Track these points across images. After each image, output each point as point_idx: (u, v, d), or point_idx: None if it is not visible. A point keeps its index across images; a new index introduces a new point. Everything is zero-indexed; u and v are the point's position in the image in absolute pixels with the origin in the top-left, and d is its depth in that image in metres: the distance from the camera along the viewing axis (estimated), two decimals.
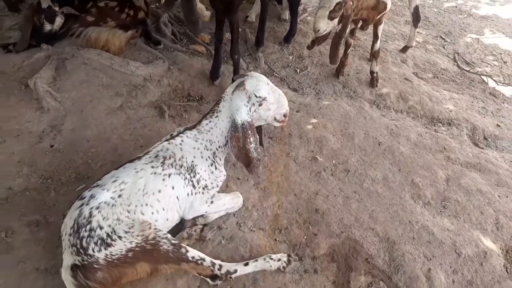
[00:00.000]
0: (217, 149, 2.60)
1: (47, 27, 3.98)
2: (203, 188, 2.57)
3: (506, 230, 2.91)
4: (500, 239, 2.85)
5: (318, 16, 3.38)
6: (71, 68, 3.80)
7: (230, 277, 2.34)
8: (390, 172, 3.26)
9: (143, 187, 2.31)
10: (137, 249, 2.11)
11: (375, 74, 4.27)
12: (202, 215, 2.66)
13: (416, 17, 4.67)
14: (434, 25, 6.08)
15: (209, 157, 2.58)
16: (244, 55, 4.59)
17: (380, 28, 4.04)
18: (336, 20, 3.43)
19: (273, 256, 2.49)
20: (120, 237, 2.12)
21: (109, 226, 2.13)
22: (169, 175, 2.41)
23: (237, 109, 2.43)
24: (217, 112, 2.57)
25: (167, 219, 2.43)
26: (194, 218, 2.64)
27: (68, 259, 2.08)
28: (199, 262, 2.25)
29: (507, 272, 2.66)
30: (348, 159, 3.34)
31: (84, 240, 2.07)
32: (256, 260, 2.46)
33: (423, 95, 4.21)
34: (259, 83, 2.47)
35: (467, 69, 4.93)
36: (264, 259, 2.47)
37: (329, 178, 3.17)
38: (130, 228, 2.16)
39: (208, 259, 2.29)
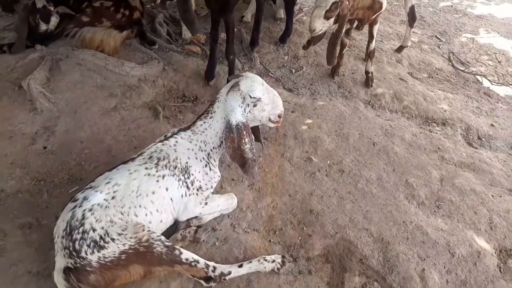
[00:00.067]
0: (211, 150, 2.59)
1: (43, 27, 3.96)
2: (197, 190, 2.56)
3: (500, 230, 2.92)
4: (494, 239, 2.86)
5: (314, 15, 3.38)
6: (65, 69, 3.78)
7: (224, 279, 2.34)
8: (385, 172, 3.26)
9: (137, 188, 2.30)
10: (130, 251, 2.11)
11: (370, 74, 4.27)
12: (196, 217, 2.64)
13: (412, 17, 4.68)
14: (430, 25, 6.09)
15: (203, 158, 2.58)
16: (240, 55, 4.58)
17: (376, 28, 4.05)
18: (332, 20, 3.43)
19: (267, 257, 2.49)
20: (113, 239, 2.11)
21: (102, 228, 2.12)
22: (163, 176, 2.40)
23: (231, 110, 2.42)
24: (211, 113, 2.56)
25: (161, 221, 2.43)
26: (188, 220, 2.62)
27: (61, 261, 2.07)
28: (193, 264, 2.24)
29: (500, 271, 2.67)
30: (343, 160, 3.34)
31: (77, 242, 2.06)
32: (250, 262, 2.45)
33: (417, 95, 4.21)
34: (254, 84, 2.47)
35: (462, 68, 4.94)
36: (258, 260, 2.47)
37: (323, 178, 3.17)
38: (123, 230, 2.15)
39: (202, 261, 2.28)
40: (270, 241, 2.69)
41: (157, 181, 2.37)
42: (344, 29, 3.69)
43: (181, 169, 2.47)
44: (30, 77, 3.53)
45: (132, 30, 4.34)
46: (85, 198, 2.20)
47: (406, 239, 2.76)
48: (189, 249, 2.44)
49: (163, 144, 2.52)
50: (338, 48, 3.79)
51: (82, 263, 2.03)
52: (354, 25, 4.32)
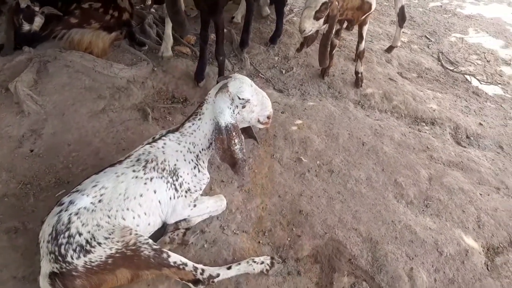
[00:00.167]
0: (200, 151, 2.58)
1: (26, 27, 3.91)
2: (186, 192, 2.55)
3: (487, 228, 2.94)
4: (482, 237, 2.88)
5: (304, 16, 3.38)
6: (53, 71, 3.75)
7: (213, 282, 2.33)
8: (374, 172, 3.27)
9: (124, 191, 2.29)
10: (117, 255, 2.09)
11: (359, 75, 4.28)
12: (184, 219, 2.63)
13: (401, 17, 4.69)
14: (419, 25, 6.12)
15: (192, 160, 2.56)
16: (230, 56, 4.57)
17: (365, 29, 4.05)
18: (321, 20, 3.43)
19: (256, 259, 2.49)
20: (99, 244, 2.09)
21: (89, 232, 2.11)
22: (151, 179, 2.38)
23: (220, 111, 2.41)
24: (200, 115, 2.56)
25: (149, 224, 2.41)
26: (176, 222, 2.61)
27: (46, 266, 2.05)
28: (181, 267, 2.23)
29: (488, 269, 2.69)
30: (332, 160, 3.34)
31: (63, 247, 2.04)
32: (239, 264, 2.45)
33: (407, 95, 4.23)
34: (243, 85, 2.46)
35: (451, 68, 4.97)
36: (247, 262, 2.46)
37: (313, 179, 3.17)
38: (110, 234, 2.13)
39: (190, 264, 2.27)
40: (259, 242, 2.69)
41: (145, 183, 2.36)
42: (334, 30, 3.69)
43: (170, 171, 2.46)
44: (17, 80, 3.50)
45: (121, 32, 4.31)
46: (71, 202, 2.18)
47: (394, 238, 2.77)
48: (178, 251, 2.44)
49: (151, 146, 2.50)
50: (329, 49, 3.79)
51: (68, 268, 2.01)
52: (344, 26, 4.33)
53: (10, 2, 4.12)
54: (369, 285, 2.50)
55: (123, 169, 2.37)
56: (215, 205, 2.74)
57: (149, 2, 5.37)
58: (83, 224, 2.11)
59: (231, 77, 2.52)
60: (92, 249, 2.07)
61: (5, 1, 4.36)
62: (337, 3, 3.40)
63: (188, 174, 2.54)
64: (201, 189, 2.66)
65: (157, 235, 2.55)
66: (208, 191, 2.95)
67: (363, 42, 4.12)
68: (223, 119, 2.40)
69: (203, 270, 2.31)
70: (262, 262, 2.48)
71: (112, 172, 2.35)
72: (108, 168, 2.40)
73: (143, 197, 2.34)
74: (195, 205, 2.61)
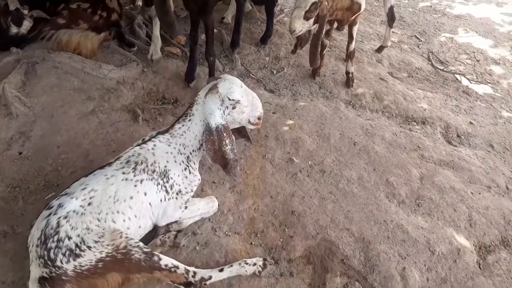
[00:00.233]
0: (191, 153, 2.56)
1: (13, 30, 3.87)
2: (177, 194, 2.53)
3: (479, 226, 2.95)
4: (473, 235, 2.89)
5: (294, 16, 3.38)
6: (42, 72, 3.70)
7: (205, 284, 2.30)
8: (365, 172, 3.27)
9: (114, 194, 2.26)
10: (107, 259, 2.06)
11: (350, 75, 4.28)
12: (176, 221, 2.61)
13: (391, 17, 4.70)
14: (409, 25, 6.15)
15: (182, 162, 2.54)
16: (220, 57, 4.56)
17: (355, 29, 4.06)
18: (311, 21, 3.43)
19: (249, 260, 2.47)
20: (89, 247, 2.06)
21: (78, 236, 2.07)
22: (141, 181, 2.36)
23: (210, 112, 2.40)
24: (190, 116, 2.54)
25: (140, 227, 2.38)
26: (167, 225, 2.59)
27: (36, 271, 2.02)
28: (172, 269, 2.21)
29: (480, 268, 2.69)
30: (324, 160, 3.34)
31: (52, 251, 2.01)
32: (231, 266, 2.43)
33: (397, 95, 4.24)
34: (232, 86, 2.45)
35: (441, 68, 4.99)
36: (239, 264, 2.44)
37: (305, 179, 3.16)
38: (100, 238, 2.10)
39: (181, 266, 2.25)
40: (251, 243, 2.67)
41: (135, 186, 2.33)
42: (324, 30, 3.69)
43: (160, 173, 2.44)
44: (5, 81, 3.46)
45: (110, 32, 4.28)
46: (60, 205, 2.15)
47: (387, 238, 2.77)
48: (169, 254, 2.41)
49: (141, 148, 2.48)
50: (319, 49, 3.79)
51: (57, 272, 1.98)
52: (334, 26, 4.33)
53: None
54: (361, 285, 2.50)
55: (112, 171, 2.34)
56: (207, 206, 2.72)
57: (139, 2, 5.34)
58: (72, 228, 2.08)
59: (221, 78, 2.51)
60: (82, 253, 2.04)
61: None
62: (326, 3, 3.40)
63: (178, 175, 2.52)
64: (192, 191, 2.64)
65: (148, 238, 2.52)
66: (200, 193, 2.93)
67: (353, 42, 4.13)
68: (213, 120, 2.39)
69: (194, 273, 2.28)
70: (255, 264, 2.46)
71: (102, 175, 2.32)
72: (98, 171, 2.37)
73: (133, 199, 2.31)
74: (186, 207, 2.58)
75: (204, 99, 2.45)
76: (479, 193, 3.22)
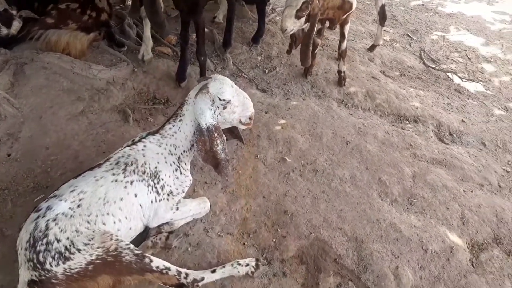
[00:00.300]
0: (182, 153, 2.54)
1: (3, 31, 3.80)
2: (168, 195, 2.50)
3: (472, 224, 2.95)
4: (466, 233, 2.89)
5: (285, 15, 3.36)
6: (30, 73, 3.66)
7: (197, 285, 2.28)
8: (358, 171, 3.26)
9: (104, 195, 2.23)
10: (97, 261, 2.04)
11: (342, 74, 4.28)
12: (167, 223, 2.59)
13: (382, 16, 4.70)
14: (401, 23, 6.15)
15: (173, 162, 2.52)
16: (212, 56, 4.53)
17: (347, 28, 4.05)
18: (303, 19, 3.41)
19: (241, 261, 2.46)
20: (79, 250, 2.03)
21: (67, 238, 2.05)
22: (131, 182, 2.33)
23: (201, 113, 2.38)
24: (180, 116, 2.52)
25: (130, 228, 2.36)
26: (159, 226, 2.57)
27: (25, 274, 1.99)
28: (164, 271, 2.18)
29: (473, 266, 2.69)
30: (316, 159, 3.32)
31: (41, 254, 1.98)
32: (224, 267, 2.41)
33: (390, 93, 4.24)
34: (223, 86, 2.43)
35: (433, 66, 5.00)
36: (232, 265, 2.43)
37: (297, 179, 3.14)
38: (90, 240, 2.08)
39: (173, 268, 2.22)
40: (244, 244, 2.66)
41: (125, 187, 2.30)
42: (315, 29, 3.68)
43: (150, 174, 2.41)
44: None
45: (100, 32, 4.24)
46: (48, 208, 2.11)
47: (379, 237, 2.76)
48: (161, 256, 2.40)
49: (130, 149, 2.45)
50: (311, 48, 3.77)
51: (47, 275, 1.95)
52: (326, 25, 4.32)
53: None
54: (355, 284, 2.49)
55: (102, 173, 2.31)
56: (199, 207, 2.70)
57: (129, 2, 5.29)
58: (61, 230, 2.05)
59: (211, 77, 2.49)
60: (72, 256, 2.01)
61: None
62: (317, 2, 3.39)
63: (169, 176, 2.50)
64: (183, 192, 2.62)
65: (139, 240, 2.50)
66: (191, 193, 2.91)
67: (345, 41, 4.12)
68: (204, 121, 2.37)
69: (187, 274, 2.26)
70: (247, 264, 2.45)
71: (91, 176, 2.29)
72: (87, 172, 2.34)
73: (124, 201, 2.28)
74: (177, 208, 2.56)
75: (195, 99, 2.43)
76: (472, 191, 3.23)
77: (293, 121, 3.71)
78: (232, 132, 2.82)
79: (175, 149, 2.52)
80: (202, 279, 2.31)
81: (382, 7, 4.65)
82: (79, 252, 2.03)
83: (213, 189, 2.99)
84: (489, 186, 3.33)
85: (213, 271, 2.38)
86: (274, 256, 2.59)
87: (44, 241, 2.00)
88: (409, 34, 5.80)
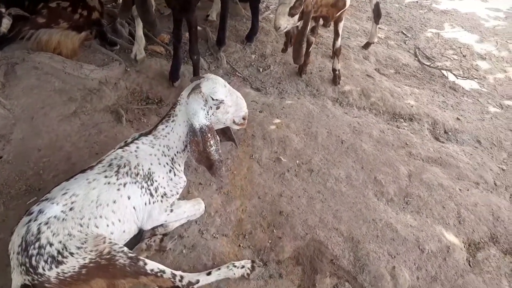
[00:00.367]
0: (175, 154, 2.51)
1: None
2: (162, 196, 2.48)
3: (468, 223, 2.94)
4: (462, 232, 2.88)
5: (278, 13, 3.33)
6: (21, 73, 3.60)
7: None
8: (353, 170, 3.24)
9: (97, 198, 2.20)
10: (91, 265, 2.01)
11: (337, 72, 4.25)
12: (161, 225, 2.56)
13: (377, 14, 4.68)
14: (396, 21, 6.14)
15: (167, 164, 2.49)
16: (206, 55, 4.49)
17: (341, 26, 4.02)
18: (296, 17, 3.38)
19: (237, 263, 2.44)
20: (72, 254, 2.01)
21: (60, 242, 2.02)
22: (124, 184, 2.30)
23: (194, 113, 2.34)
24: (173, 117, 2.49)
25: (124, 231, 2.33)
26: (153, 228, 2.54)
27: (18, 279, 1.97)
28: (158, 274, 2.16)
29: (469, 265, 2.69)
30: (312, 159, 3.30)
31: (33, 258, 1.95)
32: (219, 269, 2.40)
33: (385, 91, 4.22)
34: (216, 86, 2.40)
35: (428, 63, 4.99)
36: (227, 267, 2.41)
37: (293, 179, 3.12)
38: (82, 244, 2.05)
39: (168, 271, 2.20)
40: (239, 245, 2.63)
41: (118, 189, 2.27)
42: (309, 27, 3.65)
43: (144, 175, 2.38)
44: None
45: (91, 31, 4.18)
46: (40, 211, 2.08)
47: (376, 237, 2.75)
48: (155, 258, 2.38)
49: (123, 151, 2.42)
50: (304, 46, 3.75)
51: (40, 279, 1.93)
52: (320, 23, 4.29)
53: None
54: (351, 285, 2.48)
55: (94, 175, 2.28)
56: (193, 209, 2.67)
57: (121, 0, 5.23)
58: (53, 234, 2.03)
59: (203, 77, 2.46)
60: (65, 260, 1.99)
61: None
62: None
63: (163, 178, 2.47)
64: (177, 193, 2.59)
65: (133, 242, 2.47)
66: (186, 195, 2.88)
67: (339, 39, 4.09)
68: (197, 121, 2.34)
69: (182, 277, 2.25)
70: (243, 266, 2.43)
71: (83, 179, 2.26)
72: (79, 175, 2.31)
73: (117, 203, 2.26)
74: (172, 210, 2.53)
75: (187, 100, 2.39)
76: (468, 190, 3.22)
77: (288, 120, 3.68)
78: (225, 134, 2.79)
79: (169, 150, 2.49)
80: (197, 281, 2.29)
81: (377, 5, 4.63)
82: (72, 256, 2.00)
83: (207, 190, 2.96)
84: (485, 184, 3.32)
85: (209, 274, 2.36)
86: (270, 258, 2.57)
87: (37, 245, 1.98)
88: (403, 32, 5.79)
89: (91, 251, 2.04)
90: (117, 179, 2.29)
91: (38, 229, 2.02)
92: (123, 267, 2.06)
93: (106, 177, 2.28)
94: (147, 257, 2.26)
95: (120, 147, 2.46)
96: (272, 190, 3.01)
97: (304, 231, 2.74)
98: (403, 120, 3.97)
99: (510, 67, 5.19)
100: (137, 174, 2.35)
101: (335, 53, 4.18)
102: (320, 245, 2.66)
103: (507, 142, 3.86)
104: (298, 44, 3.63)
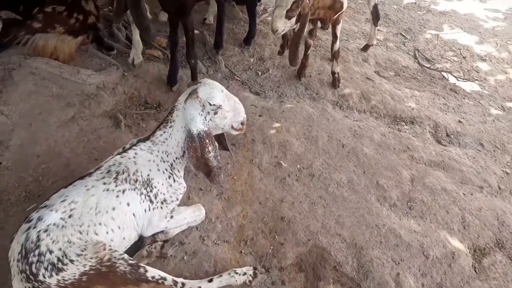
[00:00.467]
0: (174, 160, 2.48)
1: None
2: (162, 203, 2.44)
3: (473, 228, 2.90)
4: (467, 238, 2.84)
5: (275, 15, 3.31)
6: (18, 79, 3.55)
7: None
8: (355, 175, 3.21)
9: (96, 205, 2.17)
10: (91, 272, 1.99)
11: (336, 75, 4.23)
12: (162, 231, 2.52)
13: (375, 16, 4.67)
14: (394, 22, 6.13)
15: (166, 170, 2.46)
16: (204, 59, 4.46)
17: (339, 28, 4.00)
18: (293, 20, 3.37)
19: (238, 270, 2.40)
20: (72, 261, 1.98)
21: (60, 249, 1.99)
22: (123, 191, 2.27)
23: (191, 118, 2.31)
24: (171, 122, 2.45)
25: (124, 238, 2.30)
26: (153, 235, 2.50)
27: (18, 286, 1.95)
28: (159, 281, 2.13)
29: (475, 272, 2.64)
30: (313, 163, 3.27)
31: (34, 265, 1.93)
32: (221, 276, 2.36)
33: (385, 94, 4.19)
34: (213, 91, 2.37)
35: (428, 65, 4.97)
36: (229, 273, 2.37)
37: (294, 184, 3.08)
38: (82, 251, 2.02)
39: (169, 278, 2.17)
40: (241, 252, 2.59)
41: (117, 196, 2.24)
42: (306, 29, 3.63)
43: (143, 182, 2.35)
44: None
45: (88, 36, 4.14)
46: (39, 218, 2.05)
47: (379, 243, 2.71)
48: (156, 265, 2.35)
49: (121, 157, 2.38)
50: (301, 49, 3.72)
51: (40, 287, 1.91)
52: (319, 25, 4.27)
53: None
54: None
55: (93, 182, 2.25)
56: (194, 215, 2.64)
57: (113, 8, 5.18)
58: (53, 241, 2.00)
59: (200, 82, 2.43)
60: (65, 267, 1.96)
61: None
62: (308, 1, 3.34)
63: (163, 184, 2.44)
64: (177, 199, 2.56)
65: (134, 249, 2.44)
66: (186, 201, 2.84)
67: (338, 41, 4.07)
68: (194, 127, 2.31)
69: (183, 284, 2.21)
70: (245, 273, 2.39)
71: (82, 185, 2.23)
72: (77, 181, 2.28)
73: (116, 210, 2.22)
74: (172, 216, 2.50)
75: (184, 105, 2.36)
76: (471, 194, 3.18)
77: (287, 124, 3.65)
78: (220, 143, 2.74)
79: (167, 156, 2.45)
80: None
81: (375, 6, 4.62)
82: (72, 263, 1.98)
83: (208, 196, 2.92)
84: (489, 188, 3.29)
85: (210, 281, 2.32)
86: (272, 264, 2.53)
87: (36, 252, 1.96)
88: (402, 33, 5.78)
89: (91, 258, 2.01)
90: (116, 186, 2.25)
91: (38, 236, 1.99)
92: (124, 274, 2.04)
93: (104, 183, 2.24)
94: (148, 264, 2.23)
95: (119, 154, 2.43)
96: (273, 195, 2.97)
97: (306, 237, 2.70)
98: (404, 123, 3.94)
99: (511, 68, 5.18)
100: (136, 181, 2.32)
101: (334, 55, 4.16)
102: (322, 251, 2.62)
103: (510, 145, 3.83)
104: (294, 47, 3.61)
